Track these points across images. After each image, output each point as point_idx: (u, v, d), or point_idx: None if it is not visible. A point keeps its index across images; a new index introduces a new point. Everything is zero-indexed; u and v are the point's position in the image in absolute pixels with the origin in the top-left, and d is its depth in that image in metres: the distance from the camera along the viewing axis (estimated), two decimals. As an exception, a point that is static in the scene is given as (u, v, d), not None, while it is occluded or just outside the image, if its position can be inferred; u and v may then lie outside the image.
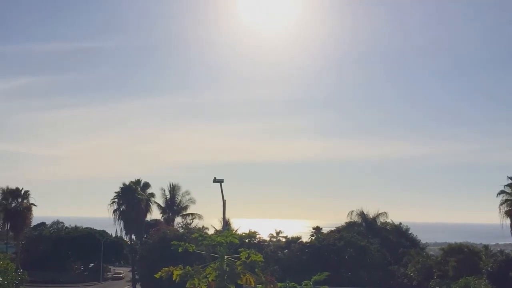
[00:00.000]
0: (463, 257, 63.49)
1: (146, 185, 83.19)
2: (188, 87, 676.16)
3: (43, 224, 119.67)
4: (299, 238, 79.08)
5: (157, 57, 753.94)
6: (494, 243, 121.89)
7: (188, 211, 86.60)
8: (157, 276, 9.79)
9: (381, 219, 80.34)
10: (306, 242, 74.88)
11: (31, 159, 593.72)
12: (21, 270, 47.79)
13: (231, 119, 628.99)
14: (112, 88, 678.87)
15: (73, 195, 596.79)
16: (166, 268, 9.70)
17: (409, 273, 66.06)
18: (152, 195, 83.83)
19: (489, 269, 60.16)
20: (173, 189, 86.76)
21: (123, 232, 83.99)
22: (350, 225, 79.40)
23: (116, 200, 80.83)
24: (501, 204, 64.63)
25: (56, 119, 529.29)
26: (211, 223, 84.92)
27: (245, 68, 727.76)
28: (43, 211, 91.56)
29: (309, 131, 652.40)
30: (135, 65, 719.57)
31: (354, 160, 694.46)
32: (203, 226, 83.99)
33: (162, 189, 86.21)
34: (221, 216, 40.99)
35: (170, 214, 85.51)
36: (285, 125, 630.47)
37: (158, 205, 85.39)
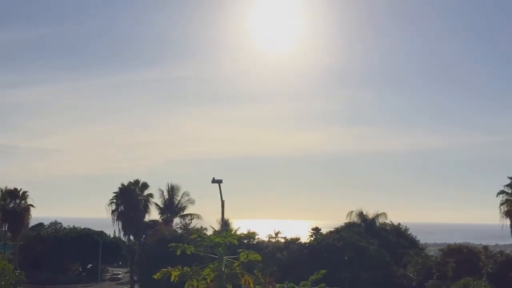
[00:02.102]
0: (463, 258, 63.51)
1: (145, 186, 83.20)
2: (191, 66, 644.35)
3: (41, 224, 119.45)
4: (298, 238, 78.97)
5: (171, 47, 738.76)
6: (494, 244, 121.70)
7: (187, 212, 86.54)
8: (155, 277, 9.73)
9: (380, 220, 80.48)
10: (305, 243, 74.92)
11: (14, 152, 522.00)
12: (19, 271, 47.78)
13: (229, 107, 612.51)
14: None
15: (68, 194, 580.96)
16: (165, 269, 9.64)
17: (409, 273, 66.03)
18: (150, 195, 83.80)
19: (488, 269, 60.14)
20: (172, 189, 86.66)
21: (122, 233, 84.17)
22: (349, 226, 79.38)
23: (114, 200, 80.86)
24: (501, 204, 64.59)
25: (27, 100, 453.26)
26: (210, 223, 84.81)
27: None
28: (38, 211, 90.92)
29: (309, 127, 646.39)
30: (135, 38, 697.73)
31: (353, 160, 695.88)
32: (201, 227, 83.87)
33: (161, 189, 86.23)
34: (220, 216, 40.86)
35: (169, 215, 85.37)
36: (283, 118, 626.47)
37: (157, 205, 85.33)
